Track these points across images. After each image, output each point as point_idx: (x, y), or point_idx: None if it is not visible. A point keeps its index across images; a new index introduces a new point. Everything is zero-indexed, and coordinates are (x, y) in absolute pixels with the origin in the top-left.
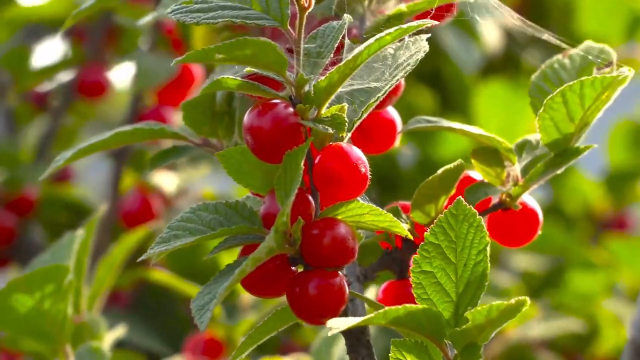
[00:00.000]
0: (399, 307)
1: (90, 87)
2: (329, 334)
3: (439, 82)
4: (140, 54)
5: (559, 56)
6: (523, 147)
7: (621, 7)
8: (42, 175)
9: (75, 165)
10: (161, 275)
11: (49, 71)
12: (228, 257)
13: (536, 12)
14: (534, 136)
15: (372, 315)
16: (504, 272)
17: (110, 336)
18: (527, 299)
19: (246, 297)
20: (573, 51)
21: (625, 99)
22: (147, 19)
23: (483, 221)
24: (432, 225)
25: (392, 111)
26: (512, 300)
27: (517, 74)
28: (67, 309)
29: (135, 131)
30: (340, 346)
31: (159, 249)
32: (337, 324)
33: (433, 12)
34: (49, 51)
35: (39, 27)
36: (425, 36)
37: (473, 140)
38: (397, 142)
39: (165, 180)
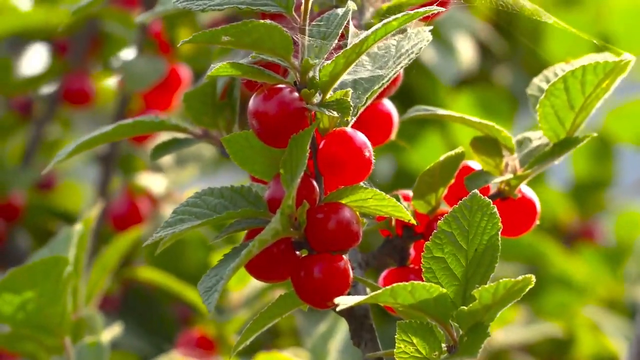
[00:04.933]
0: (407, 284)
1: (75, 95)
2: (337, 309)
3: (410, 96)
4: (128, 58)
5: (562, 63)
6: (522, 142)
7: (590, 29)
8: (44, 170)
9: (62, 171)
10: (151, 274)
11: (32, 82)
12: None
13: (504, 34)
14: (534, 133)
15: (379, 291)
16: None
17: (108, 333)
18: (533, 277)
19: (236, 294)
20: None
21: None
22: (144, 16)
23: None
24: (445, 214)
25: (388, 103)
26: (519, 277)
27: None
28: (66, 301)
29: (136, 124)
30: (336, 342)
31: (165, 232)
32: (345, 301)
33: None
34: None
35: (19, 38)
36: (428, 27)
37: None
38: (394, 135)
39: (154, 182)
